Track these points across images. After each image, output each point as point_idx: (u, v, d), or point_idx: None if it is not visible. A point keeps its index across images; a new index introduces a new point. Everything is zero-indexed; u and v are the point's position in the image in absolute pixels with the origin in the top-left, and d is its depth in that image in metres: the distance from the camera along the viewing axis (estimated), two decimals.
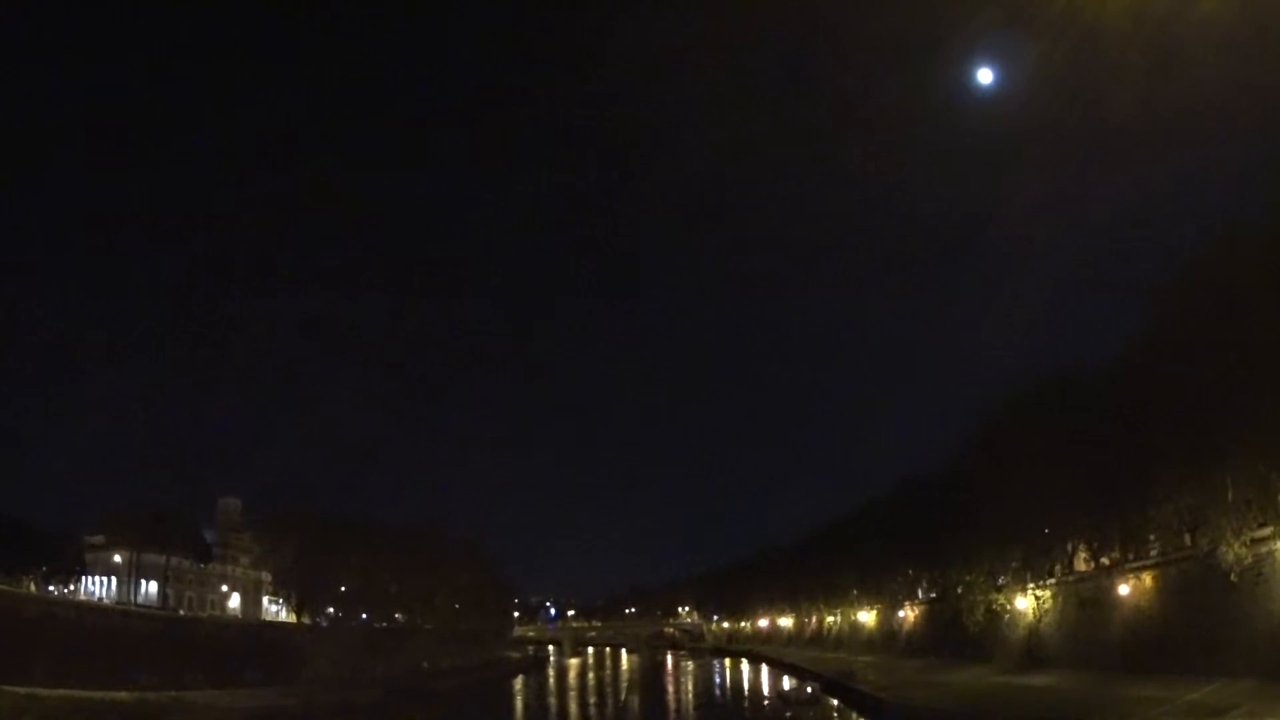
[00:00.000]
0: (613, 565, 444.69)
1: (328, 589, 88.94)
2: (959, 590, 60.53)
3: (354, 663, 76.95)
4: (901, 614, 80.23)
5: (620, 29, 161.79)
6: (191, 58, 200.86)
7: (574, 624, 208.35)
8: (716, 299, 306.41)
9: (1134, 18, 14.77)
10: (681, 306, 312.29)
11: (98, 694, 44.99)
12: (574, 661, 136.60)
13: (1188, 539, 38.82)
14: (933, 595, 73.53)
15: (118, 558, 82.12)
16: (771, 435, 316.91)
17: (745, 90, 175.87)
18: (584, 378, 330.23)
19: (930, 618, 72.38)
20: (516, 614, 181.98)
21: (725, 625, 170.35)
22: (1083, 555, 50.81)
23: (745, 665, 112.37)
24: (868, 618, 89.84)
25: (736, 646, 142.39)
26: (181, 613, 79.20)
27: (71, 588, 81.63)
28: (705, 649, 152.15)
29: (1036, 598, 51.87)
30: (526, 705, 76.85)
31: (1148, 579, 41.44)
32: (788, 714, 57.92)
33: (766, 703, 69.22)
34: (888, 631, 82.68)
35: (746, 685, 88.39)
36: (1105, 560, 47.61)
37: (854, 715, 53.03)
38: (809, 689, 67.35)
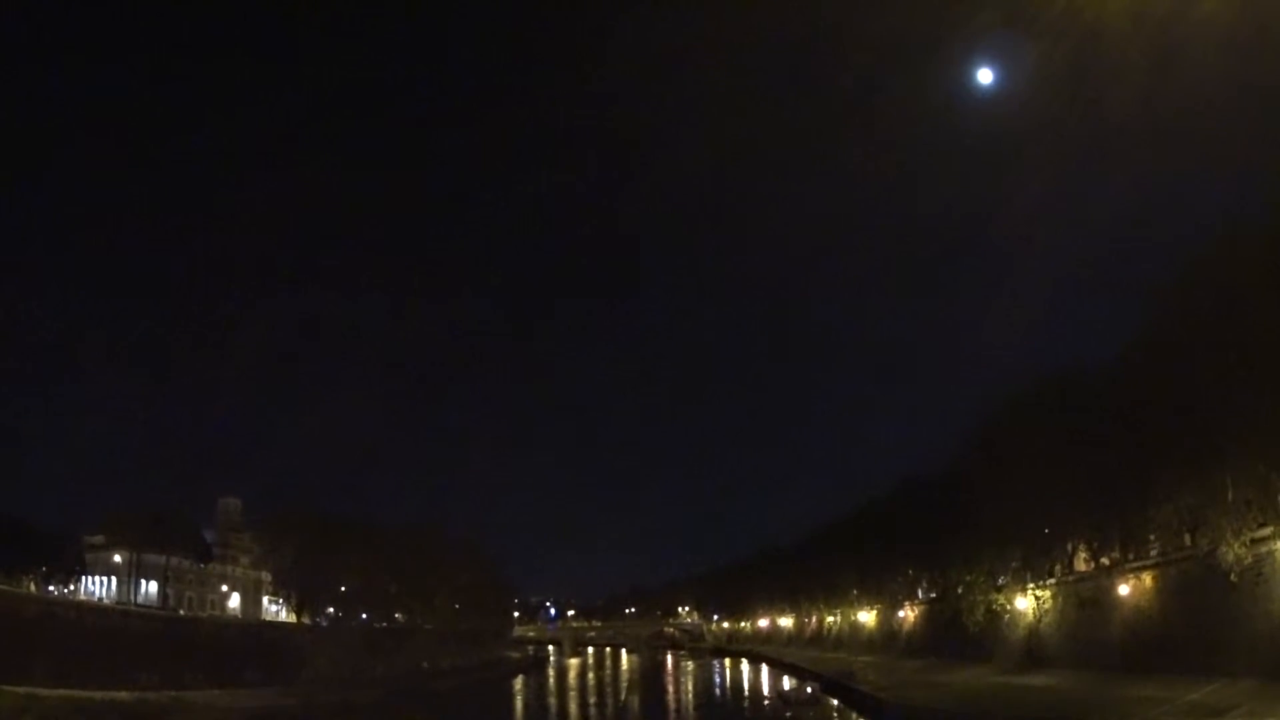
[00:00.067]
0: (613, 565, 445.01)
1: (328, 589, 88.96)
2: (959, 590, 60.56)
3: (354, 663, 76.95)
4: (901, 614, 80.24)
5: (620, 29, 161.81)
6: (191, 58, 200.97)
7: (574, 624, 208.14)
8: (716, 299, 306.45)
9: (1134, 18, 14.76)
10: (681, 306, 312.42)
11: (98, 694, 44.95)
12: (574, 661, 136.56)
13: (1188, 539, 38.82)
14: (933, 595, 73.55)
15: (118, 558, 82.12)
16: (771, 435, 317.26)
17: (745, 90, 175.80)
18: (584, 378, 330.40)
19: (930, 618, 72.38)
20: (516, 614, 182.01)
21: (725, 625, 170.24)
22: (1083, 555, 50.81)
23: (745, 665, 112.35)
24: (868, 618, 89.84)
25: (736, 646, 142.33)
26: (181, 613, 79.15)
27: (71, 588, 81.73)
28: (705, 649, 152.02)
29: (1036, 598, 51.87)
30: (526, 705, 76.87)
31: (1148, 579, 41.44)
32: (788, 714, 57.89)
33: (766, 703, 69.19)
34: (888, 631, 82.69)
35: (746, 685, 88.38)
36: (1105, 560, 47.62)
37: (854, 715, 53.02)
38: (809, 689, 67.36)
